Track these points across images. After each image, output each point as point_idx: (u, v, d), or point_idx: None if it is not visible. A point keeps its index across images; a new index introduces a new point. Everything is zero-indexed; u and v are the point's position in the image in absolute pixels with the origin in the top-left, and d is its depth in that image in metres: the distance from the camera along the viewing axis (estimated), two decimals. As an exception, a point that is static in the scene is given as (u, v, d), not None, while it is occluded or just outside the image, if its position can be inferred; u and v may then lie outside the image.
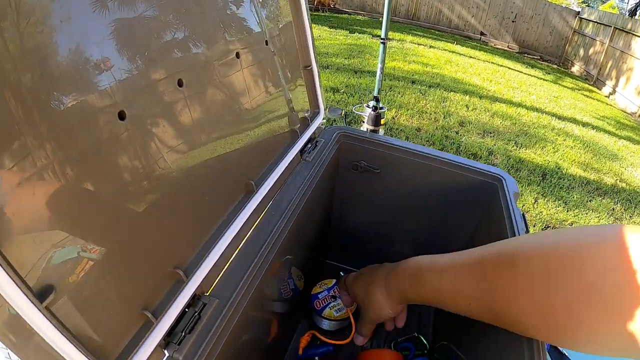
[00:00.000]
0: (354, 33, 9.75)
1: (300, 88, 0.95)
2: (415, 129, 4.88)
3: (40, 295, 0.34)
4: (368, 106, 1.83)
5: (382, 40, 1.98)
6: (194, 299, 0.53)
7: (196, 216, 0.57)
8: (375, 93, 1.86)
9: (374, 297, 0.73)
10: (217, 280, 0.58)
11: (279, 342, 0.93)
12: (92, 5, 0.40)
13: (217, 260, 0.57)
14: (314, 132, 0.97)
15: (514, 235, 0.78)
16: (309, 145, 0.94)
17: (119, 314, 0.44)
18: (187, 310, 0.52)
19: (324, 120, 1.03)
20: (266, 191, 0.72)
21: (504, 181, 0.94)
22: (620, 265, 0.39)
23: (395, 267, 0.71)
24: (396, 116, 5.14)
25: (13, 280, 0.31)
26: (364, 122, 1.86)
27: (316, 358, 0.94)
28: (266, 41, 0.77)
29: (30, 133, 0.34)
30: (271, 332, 0.85)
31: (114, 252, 0.43)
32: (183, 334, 0.49)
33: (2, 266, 0.30)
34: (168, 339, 0.49)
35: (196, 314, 0.52)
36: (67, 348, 0.36)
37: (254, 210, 0.68)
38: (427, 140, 4.65)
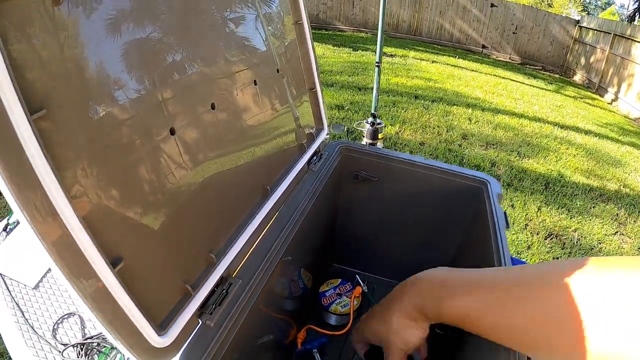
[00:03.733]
0: (357, 50, 9.92)
1: (306, 107, 1.09)
2: (419, 143, 4.98)
3: (113, 262, 0.46)
4: (367, 122, 1.99)
5: (376, 64, 2.17)
6: (222, 279, 0.67)
7: (225, 213, 0.72)
8: (372, 110, 2.02)
9: (395, 323, 0.64)
10: (240, 265, 0.72)
11: (288, 334, 1.04)
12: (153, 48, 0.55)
13: (241, 249, 0.71)
14: (318, 146, 1.10)
15: (497, 233, 0.88)
16: (315, 157, 1.08)
17: (166, 284, 0.57)
18: (216, 288, 0.65)
19: (328, 136, 1.16)
20: (279, 195, 0.86)
21: (488, 184, 1.07)
22: (559, 302, 0.43)
23: (413, 282, 0.63)
24: (400, 131, 5.24)
25: (98, 251, 0.43)
26: (364, 136, 2.02)
27: (314, 350, 1.03)
28: (277, 69, 0.92)
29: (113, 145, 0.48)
30: (284, 317, 0.98)
31: (164, 237, 0.56)
32: (214, 306, 0.63)
33: (92, 241, 0.43)
34: (202, 310, 0.62)
35: (224, 291, 0.65)
36: (129, 305, 0.48)
37: (269, 210, 0.82)
38: (431, 154, 4.74)
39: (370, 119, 1.83)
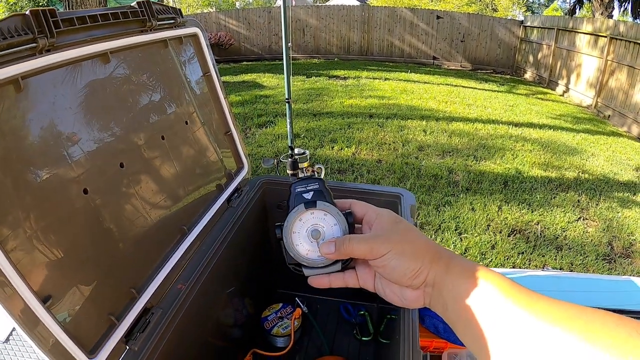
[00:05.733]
0: (310, 77, 10.11)
1: (225, 149, 1.14)
2: (376, 161, 5.06)
3: (44, 300, 0.56)
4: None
5: (286, 100, 2.29)
6: (145, 310, 0.75)
7: (144, 253, 0.81)
8: (289, 144, 2.09)
9: (403, 290, 0.55)
10: (162, 297, 0.80)
11: (233, 357, 1.09)
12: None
13: (161, 283, 0.80)
14: (239, 184, 1.15)
15: None
16: (235, 195, 1.13)
17: (93, 317, 0.66)
18: (141, 316, 0.74)
19: (245, 174, 1.21)
20: (197, 233, 0.94)
21: (402, 197, 1.10)
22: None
23: (459, 274, 0.49)
24: (356, 152, 5.32)
25: (30, 291, 0.53)
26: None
27: None
28: (186, 122, 0.98)
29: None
30: (223, 342, 1.04)
31: (88, 278, 0.66)
32: (138, 333, 0.71)
33: (26, 285, 0.53)
34: (128, 337, 0.70)
35: (147, 320, 0.74)
36: (61, 335, 0.57)
37: (187, 247, 0.90)
38: (388, 170, 4.81)
39: (290, 152, 1.89)
